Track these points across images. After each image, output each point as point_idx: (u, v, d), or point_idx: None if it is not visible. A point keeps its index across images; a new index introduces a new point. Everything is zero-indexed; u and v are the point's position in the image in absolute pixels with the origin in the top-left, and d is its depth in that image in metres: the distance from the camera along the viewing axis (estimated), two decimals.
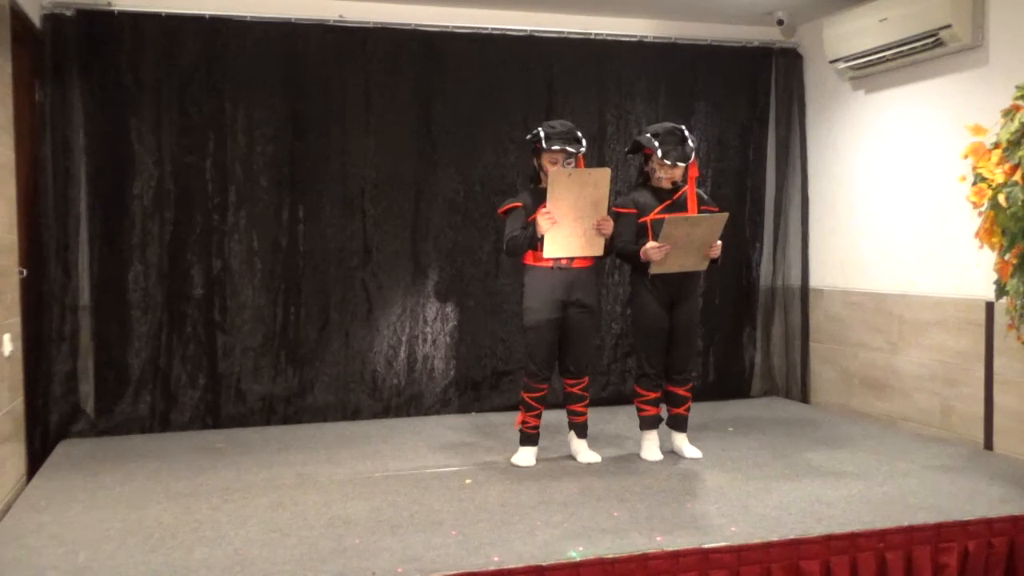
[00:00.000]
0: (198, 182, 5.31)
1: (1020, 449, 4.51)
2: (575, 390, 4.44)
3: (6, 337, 4.08)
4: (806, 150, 6.19)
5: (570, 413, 4.48)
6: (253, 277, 5.41)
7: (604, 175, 4.18)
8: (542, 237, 4.19)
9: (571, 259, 4.28)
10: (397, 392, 5.66)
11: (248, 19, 5.31)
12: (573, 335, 4.35)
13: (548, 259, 4.25)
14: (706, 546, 3.20)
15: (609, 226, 4.25)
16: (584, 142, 4.31)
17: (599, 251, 4.31)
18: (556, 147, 4.21)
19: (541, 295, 4.29)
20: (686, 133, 4.34)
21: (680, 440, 4.56)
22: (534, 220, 4.20)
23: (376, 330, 5.61)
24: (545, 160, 4.28)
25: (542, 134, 4.25)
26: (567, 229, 4.19)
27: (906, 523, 3.42)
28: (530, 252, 4.31)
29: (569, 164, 4.25)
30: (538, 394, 4.36)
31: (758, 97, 6.24)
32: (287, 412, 5.46)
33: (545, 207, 4.14)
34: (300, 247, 5.48)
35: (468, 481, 4.09)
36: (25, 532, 3.43)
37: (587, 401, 4.48)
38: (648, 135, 4.36)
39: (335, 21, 5.46)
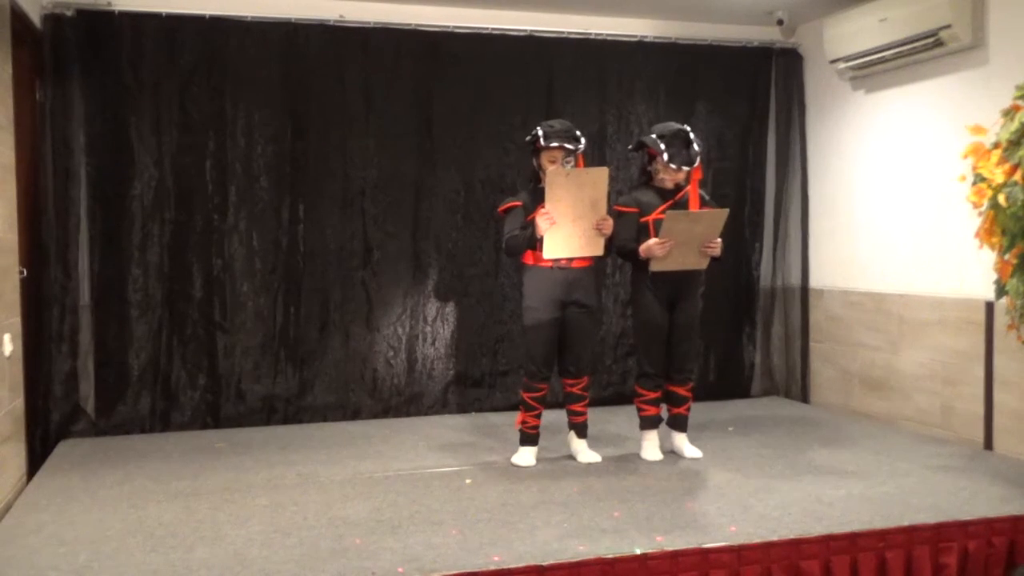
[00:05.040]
0: (198, 182, 5.31)
1: (1020, 449, 4.51)
2: (575, 390, 4.43)
3: (6, 337, 4.09)
4: (806, 150, 6.19)
5: (570, 413, 4.48)
6: (253, 277, 5.41)
7: (602, 174, 4.18)
8: (542, 237, 4.18)
9: (570, 259, 4.28)
10: (397, 392, 5.66)
11: (248, 19, 5.31)
12: (573, 335, 4.35)
13: (548, 259, 4.25)
14: (706, 546, 3.20)
15: (609, 225, 4.24)
16: (583, 140, 4.31)
17: (599, 251, 4.30)
18: (555, 144, 4.21)
19: (541, 295, 4.29)
20: (691, 136, 4.33)
21: (680, 440, 4.56)
22: (533, 220, 4.20)
23: (376, 330, 5.61)
24: (544, 159, 4.27)
25: (540, 133, 4.25)
26: (566, 229, 4.18)
27: (906, 523, 3.42)
28: (529, 252, 4.30)
29: (568, 163, 4.24)
30: (538, 394, 4.36)
31: (758, 97, 6.24)
32: (287, 412, 5.46)
33: (544, 207, 4.14)
34: (300, 247, 5.48)
35: (468, 481, 4.10)
36: (25, 532, 3.43)
37: (587, 401, 4.48)
38: (653, 136, 4.34)
39: (335, 21, 5.46)
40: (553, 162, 4.23)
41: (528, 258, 4.33)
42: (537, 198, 4.25)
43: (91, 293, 5.17)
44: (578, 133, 4.30)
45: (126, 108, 5.18)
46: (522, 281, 4.44)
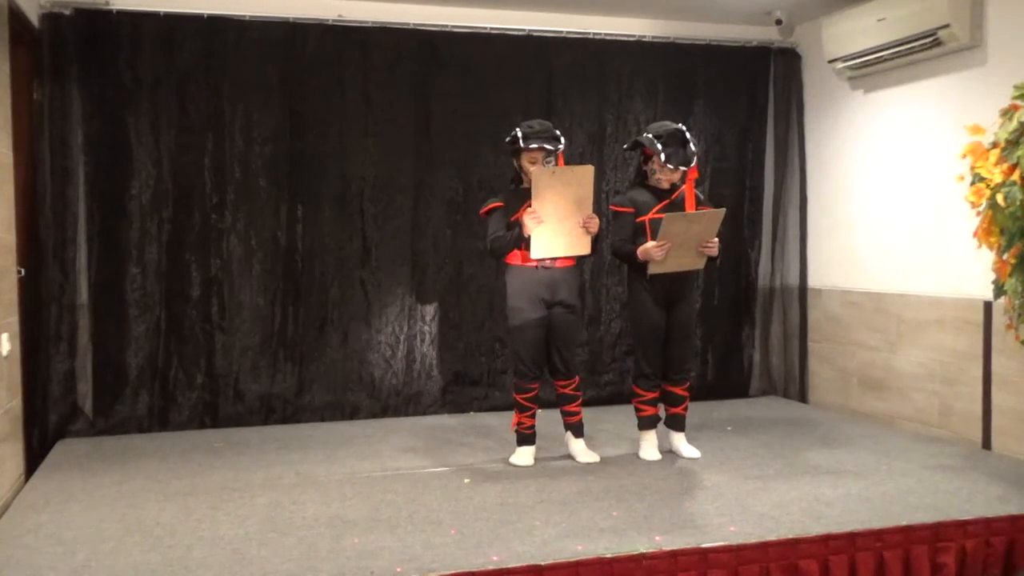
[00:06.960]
0: (196, 181, 5.31)
1: (1018, 448, 4.51)
2: (567, 391, 4.42)
3: (4, 337, 4.08)
4: (805, 150, 6.19)
5: (565, 414, 4.46)
6: (251, 277, 5.40)
7: (587, 172, 4.17)
8: (528, 237, 4.17)
9: (554, 259, 4.26)
10: (395, 391, 5.66)
11: (247, 18, 5.31)
12: (560, 336, 4.34)
13: (532, 259, 4.23)
14: (704, 545, 3.20)
15: (595, 223, 4.23)
16: (563, 140, 4.28)
17: (586, 250, 4.29)
18: (534, 145, 4.19)
19: (526, 294, 4.27)
20: (688, 136, 4.32)
21: (678, 440, 4.56)
22: (519, 220, 4.18)
23: (375, 329, 5.61)
24: (525, 160, 4.25)
25: (520, 134, 4.23)
26: (553, 229, 4.16)
27: (904, 522, 3.43)
28: (515, 251, 4.28)
29: (549, 163, 4.22)
30: (530, 394, 4.35)
31: (757, 97, 6.24)
32: (285, 412, 5.46)
33: (530, 207, 4.13)
34: (299, 246, 5.48)
35: (467, 480, 4.09)
36: (23, 532, 3.42)
37: (580, 400, 4.46)
38: (650, 136, 4.32)
39: (334, 21, 5.45)
40: (534, 163, 4.21)
41: (514, 258, 4.31)
42: (519, 198, 4.22)
43: (89, 292, 5.16)
44: (558, 133, 4.28)
45: (124, 107, 5.18)
46: (505, 282, 4.42)
